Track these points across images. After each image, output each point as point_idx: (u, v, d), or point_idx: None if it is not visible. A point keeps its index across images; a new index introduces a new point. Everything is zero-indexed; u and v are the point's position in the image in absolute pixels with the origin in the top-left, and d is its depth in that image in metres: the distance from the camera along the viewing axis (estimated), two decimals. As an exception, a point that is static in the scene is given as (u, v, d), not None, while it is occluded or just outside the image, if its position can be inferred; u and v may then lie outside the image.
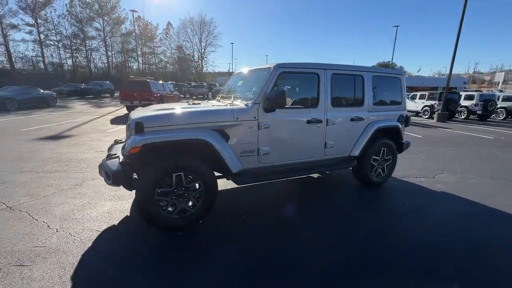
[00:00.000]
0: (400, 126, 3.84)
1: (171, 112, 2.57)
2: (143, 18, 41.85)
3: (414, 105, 16.07)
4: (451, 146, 7.04)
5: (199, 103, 3.25)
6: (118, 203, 3.05)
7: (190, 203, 2.55)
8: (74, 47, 35.08)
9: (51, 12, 31.47)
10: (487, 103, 14.19)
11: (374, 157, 3.67)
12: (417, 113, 15.98)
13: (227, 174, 2.82)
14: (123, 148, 2.48)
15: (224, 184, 3.63)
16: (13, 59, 28.94)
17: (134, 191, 2.49)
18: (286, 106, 2.98)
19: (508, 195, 3.67)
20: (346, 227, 2.74)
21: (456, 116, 15.24)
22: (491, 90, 28.21)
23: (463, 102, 15.18)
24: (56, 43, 33.60)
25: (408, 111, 15.30)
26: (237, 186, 3.39)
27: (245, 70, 3.66)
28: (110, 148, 3.13)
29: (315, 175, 4.35)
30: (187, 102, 3.35)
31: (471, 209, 3.22)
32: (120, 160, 2.45)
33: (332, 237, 2.55)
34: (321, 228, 2.71)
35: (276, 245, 2.37)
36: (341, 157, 3.47)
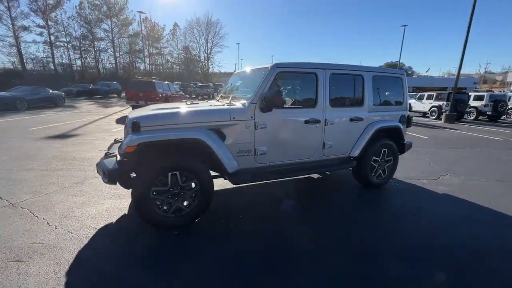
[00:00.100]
0: (402, 126, 3.77)
1: (168, 111, 2.59)
2: (150, 19, 42.38)
3: (421, 105, 15.80)
4: (458, 147, 6.89)
5: (197, 103, 3.26)
6: (117, 202, 3.09)
7: (186, 202, 2.57)
8: (83, 48, 35.77)
9: (61, 14, 32.17)
10: (498, 103, 13.84)
11: (374, 158, 3.62)
12: (424, 114, 15.71)
13: (223, 173, 2.83)
14: (119, 147, 2.52)
15: (222, 184, 3.64)
16: (25, 60, 29.68)
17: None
18: (284, 106, 2.97)
19: (514, 198, 3.58)
20: (343, 228, 2.70)
21: (465, 117, 14.91)
22: (503, 91, 27.48)
23: (472, 103, 14.85)
24: (66, 44, 34.34)
25: (415, 111, 15.17)
26: (234, 186, 3.42)
27: (244, 70, 3.66)
28: (109, 147, 3.17)
29: (315, 176, 4.32)
30: (185, 102, 3.37)
31: (473, 212, 3.15)
32: (117, 159, 2.48)
33: (327, 238, 2.52)
34: (317, 229, 2.68)
35: (273, 245, 2.36)
36: (340, 157, 3.43)
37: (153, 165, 2.33)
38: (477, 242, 2.49)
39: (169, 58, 47.53)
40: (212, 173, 2.91)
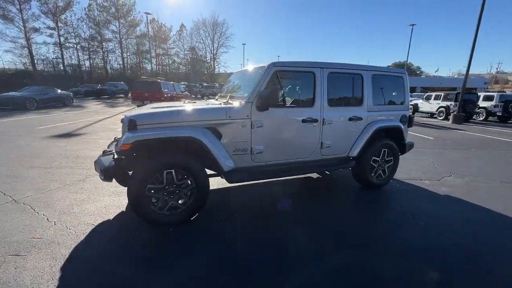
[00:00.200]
0: (402, 126, 3.71)
1: (164, 110, 2.62)
2: (157, 20, 42.83)
3: (429, 106, 15.54)
4: (464, 148, 6.75)
5: (194, 102, 3.29)
6: (116, 199, 3.13)
7: (182, 200, 2.59)
8: (91, 49, 36.38)
9: (71, 16, 32.77)
10: (508, 104, 13.50)
11: (374, 158, 3.57)
12: (432, 115, 15.44)
13: (220, 172, 2.84)
14: (116, 144, 2.56)
15: (220, 183, 3.65)
16: (35, 61, 30.36)
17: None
18: (281, 104, 2.96)
19: (519, 200, 3.48)
20: (337, 229, 2.68)
21: (474, 118, 14.59)
22: (515, 91, 26.78)
23: (482, 103, 14.51)
24: (75, 46, 34.95)
25: (422, 112, 14.92)
26: (233, 185, 3.43)
27: (243, 69, 3.67)
28: (109, 145, 3.23)
29: (314, 175, 4.29)
30: (183, 101, 3.40)
31: (474, 214, 3.08)
32: (114, 157, 2.52)
33: (320, 238, 2.50)
34: (311, 229, 2.67)
35: (267, 244, 2.35)
36: (339, 157, 3.40)
37: (148, 163, 2.36)
38: (474, 244, 2.43)
39: (175, 58, 47.97)
40: (209, 171, 2.94)
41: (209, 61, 49.53)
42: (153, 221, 2.48)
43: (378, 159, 3.63)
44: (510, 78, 76.63)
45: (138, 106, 12.85)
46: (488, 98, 14.51)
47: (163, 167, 2.40)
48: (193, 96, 23.05)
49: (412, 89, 38.53)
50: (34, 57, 30.17)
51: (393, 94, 3.73)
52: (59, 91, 14.81)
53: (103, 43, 36.92)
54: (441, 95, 15.00)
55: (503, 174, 4.59)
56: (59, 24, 31.69)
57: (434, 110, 15.05)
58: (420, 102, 16.40)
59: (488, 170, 4.85)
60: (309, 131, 3.08)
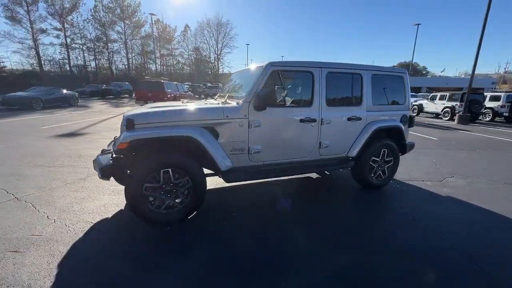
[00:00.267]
0: (403, 126, 3.68)
1: (162, 109, 2.64)
2: (162, 21, 43.11)
3: (434, 106, 15.34)
4: (468, 149, 6.65)
5: (193, 102, 3.31)
6: (115, 197, 3.17)
7: (179, 199, 2.60)
8: (97, 50, 36.82)
9: (77, 17, 33.24)
10: (515, 104, 13.26)
11: (373, 158, 3.55)
12: (437, 115, 15.25)
13: (217, 171, 2.85)
14: (114, 144, 2.59)
15: (219, 182, 3.66)
16: (42, 62, 30.89)
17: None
18: (278, 104, 2.96)
19: (522, 202, 3.42)
20: (334, 230, 2.67)
21: (480, 118, 14.37)
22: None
23: (488, 103, 14.29)
24: (81, 46, 35.42)
25: (427, 112, 14.72)
26: (230, 184, 3.45)
27: (243, 69, 3.68)
28: (109, 145, 3.26)
29: (314, 175, 4.28)
30: (181, 101, 3.43)
31: (474, 216, 3.03)
32: (112, 155, 2.55)
33: (317, 239, 2.50)
34: (309, 229, 2.66)
35: (265, 244, 2.36)
36: (338, 157, 3.39)
37: (145, 162, 2.38)
38: (474, 245, 2.40)
39: (180, 59, 48.24)
40: (207, 171, 2.95)
41: (213, 61, 49.68)
42: (150, 219, 2.50)
43: (378, 159, 3.60)
44: (518, 78, 75.12)
45: (141, 106, 12.99)
46: (495, 98, 14.28)
47: (159, 166, 2.42)
48: (197, 96, 23.16)
49: (418, 89, 38.12)
50: (41, 58, 30.70)
51: (394, 94, 3.69)
52: (64, 91, 15.02)
53: (109, 44, 37.32)
54: (446, 95, 14.80)
55: (507, 175, 4.51)
56: (66, 25, 32.19)
57: (439, 110, 14.86)
58: (425, 103, 16.21)
59: (491, 171, 4.78)
60: (307, 131, 3.07)
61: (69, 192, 3.30)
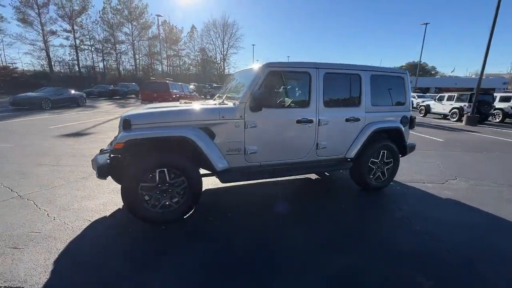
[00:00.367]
0: (403, 127, 3.63)
1: (159, 110, 2.68)
2: (169, 22, 43.62)
3: (441, 107, 15.04)
4: (474, 151, 6.51)
5: (190, 103, 3.34)
6: (115, 196, 3.22)
7: (175, 199, 2.63)
8: (105, 51, 37.54)
9: (86, 19, 34.02)
10: (526, 105, 12.91)
11: (372, 159, 3.51)
12: (445, 116, 14.95)
13: (213, 171, 2.87)
14: (111, 144, 2.64)
15: (215, 182, 3.68)
16: (52, 63, 31.71)
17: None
18: (275, 105, 2.97)
19: (526, 206, 3.33)
20: (329, 232, 2.65)
21: (489, 119, 14.03)
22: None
23: (498, 104, 13.94)
24: (90, 48, 36.18)
25: (434, 113, 14.41)
26: (226, 184, 3.46)
27: (242, 70, 3.70)
28: (109, 144, 3.32)
29: (313, 176, 4.26)
30: (179, 101, 3.46)
31: (473, 219, 2.97)
32: (109, 155, 2.60)
33: (313, 241, 2.49)
34: (304, 229, 2.66)
35: (260, 244, 2.37)
36: (335, 158, 3.37)
37: (141, 162, 2.42)
38: (470, 249, 2.35)
39: (186, 59, 48.72)
40: (204, 171, 2.98)
41: (219, 62, 49.98)
42: (146, 218, 2.53)
43: (377, 160, 3.56)
44: (532, 78, 73.00)
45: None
46: (505, 99, 13.92)
47: (155, 166, 2.45)
48: (202, 96, 23.31)
49: (426, 90, 37.48)
50: (51, 59, 31.45)
51: (394, 94, 3.65)
52: (72, 91, 15.33)
53: (116, 45, 37.99)
54: (454, 95, 14.50)
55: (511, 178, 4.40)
56: (75, 27, 32.95)
57: (447, 111, 14.56)
58: (432, 103, 15.92)
59: (496, 173, 4.67)
60: (304, 132, 3.07)
61: (70, 190, 3.38)
